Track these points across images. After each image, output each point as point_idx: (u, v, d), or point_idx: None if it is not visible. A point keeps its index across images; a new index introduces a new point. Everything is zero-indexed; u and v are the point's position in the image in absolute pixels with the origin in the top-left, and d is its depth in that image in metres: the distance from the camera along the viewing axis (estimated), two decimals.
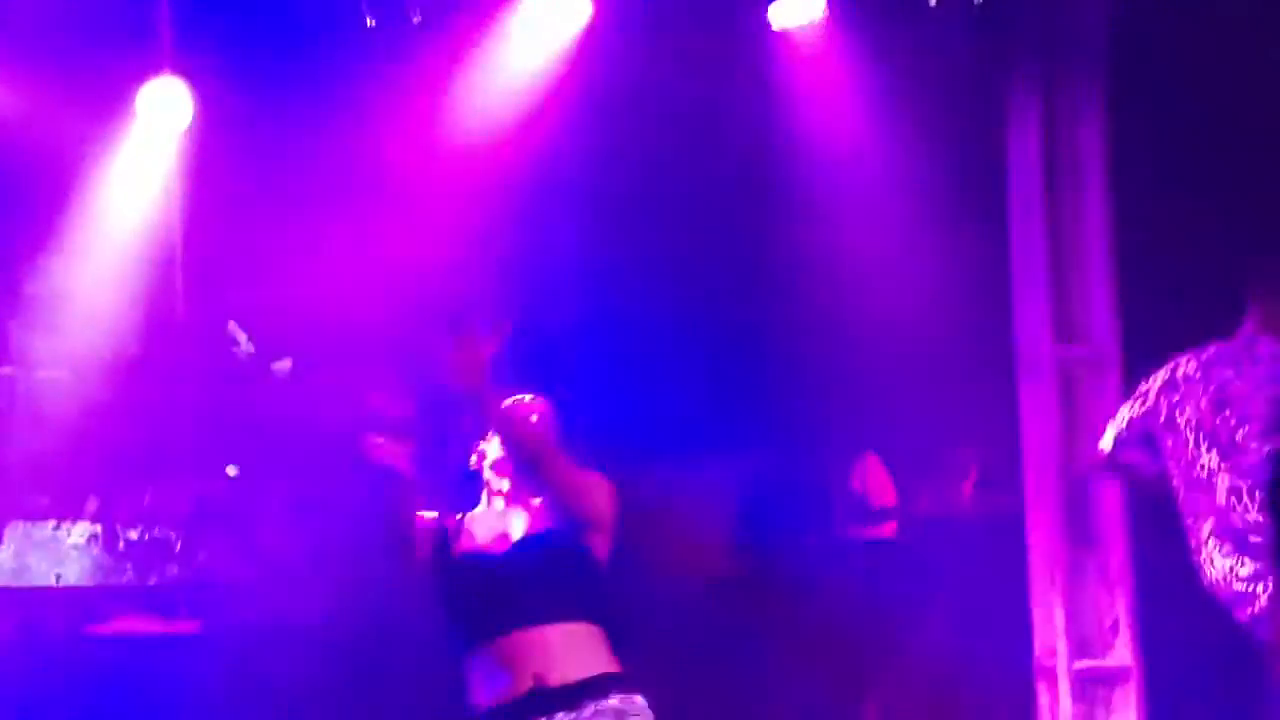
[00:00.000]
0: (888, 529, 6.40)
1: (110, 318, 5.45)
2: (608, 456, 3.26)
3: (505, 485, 3.39)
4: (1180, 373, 3.44)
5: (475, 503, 3.38)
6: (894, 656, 6.00)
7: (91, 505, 5.25)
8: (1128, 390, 3.69)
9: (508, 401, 3.25)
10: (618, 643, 3.21)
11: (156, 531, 5.38)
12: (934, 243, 5.71)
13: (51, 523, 5.13)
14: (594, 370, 5.96)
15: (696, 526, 6.49)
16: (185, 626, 5.13)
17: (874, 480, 6.56)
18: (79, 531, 5.19)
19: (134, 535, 5.33)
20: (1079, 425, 4.76)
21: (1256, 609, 3.20)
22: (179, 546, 5.43)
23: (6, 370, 5.34)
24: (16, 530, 5.04)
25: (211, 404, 5.56)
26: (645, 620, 6.38)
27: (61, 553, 5.15)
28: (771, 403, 6.34)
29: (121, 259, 5.43)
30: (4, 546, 4.98)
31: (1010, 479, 5.31)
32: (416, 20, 5.15)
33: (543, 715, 3.12)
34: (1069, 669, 4.58)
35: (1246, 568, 3.23)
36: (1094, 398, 4.78)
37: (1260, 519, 3.21)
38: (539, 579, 3.22)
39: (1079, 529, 4.67)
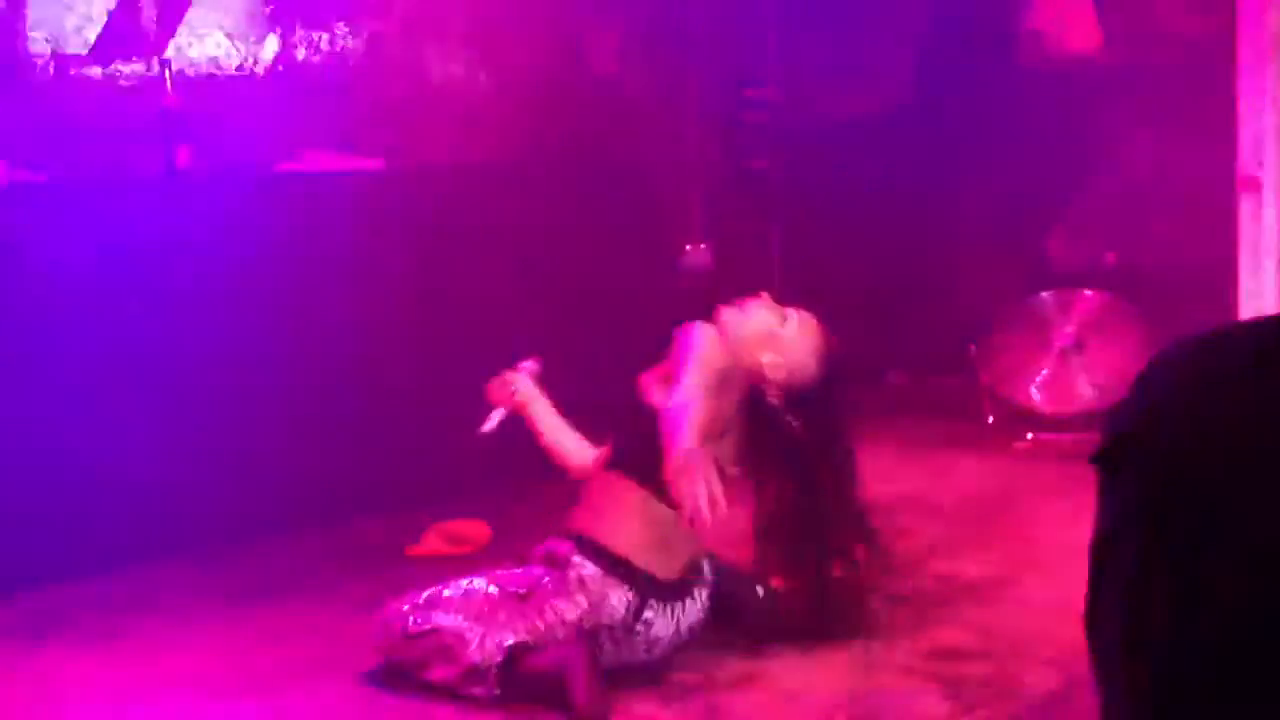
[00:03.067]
0: (1088, 54, 6.09)
1: None
2: None
3: None
4: None
5: None
6: (1086, 182, 5.83)
7: (273, 44, 5.25)
8: None
9: None
10: None
11: (339, 71, 5.39)
12: None
13: (235, 60, 5.16)
14: None
15: (875, 55, 6.27)
16: (371, 163, 5.20)
17: (1071, 11, 6.21)
18: (262, 67, 5.23)
19: (315, 73, 5.35)
20: None
21: None
22: (361, 86, 5.45)
23: None
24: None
25: None
26: (826, 151, 6.29)
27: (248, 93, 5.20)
28: None
29: None
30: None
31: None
32: None
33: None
34: (1275, 178, 4.37)
35: None
36: None
37: None
38: None
39: None
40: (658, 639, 3.43)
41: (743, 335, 3.58)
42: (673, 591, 3.47)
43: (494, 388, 3.84)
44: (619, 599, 3.38)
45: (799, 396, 3.57)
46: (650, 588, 3.41)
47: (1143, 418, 0.78)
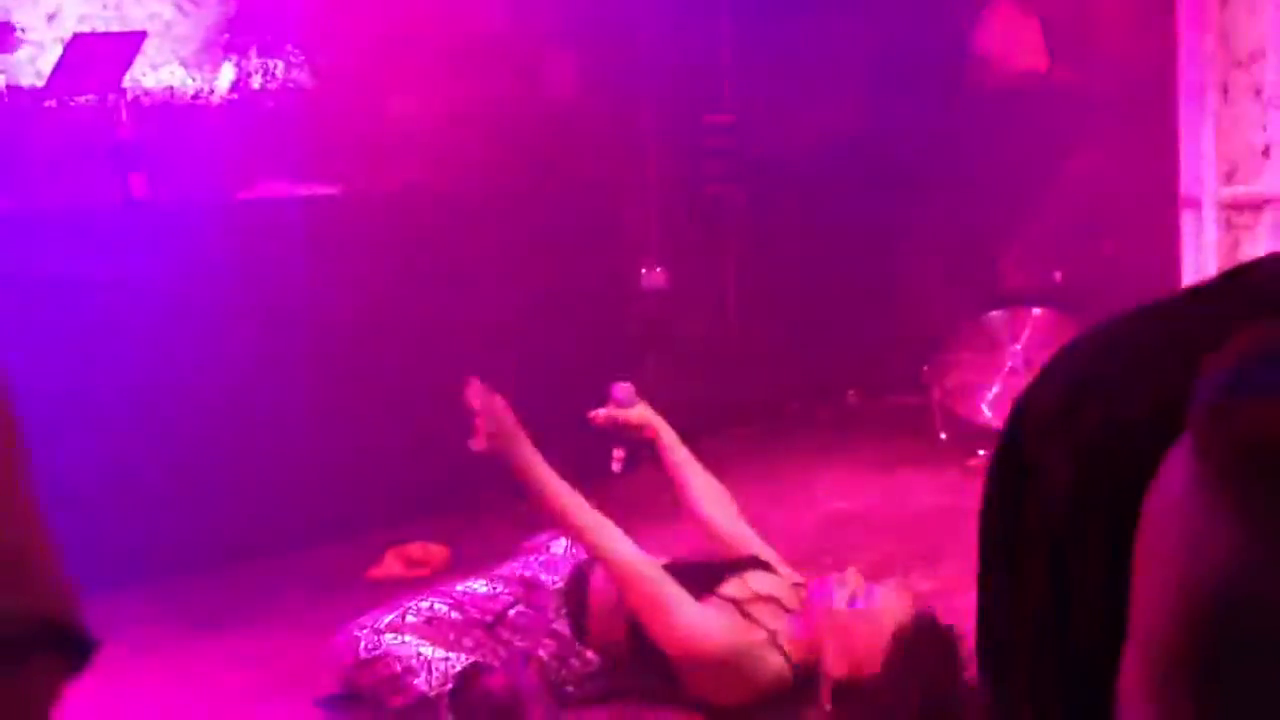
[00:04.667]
0: (1034, 78, 6.20)
1: None
2: None
3: None
4: None
5: None
6: (1034, 202, 5.93)
7: (228, 72, 5.29)
8: None
9: None
10: None
11: (295, 99, 5.43)
12: None
13: (191, 89, 5.20)
14: None
15: (828, 82, 6.36)
16: (327, 190, 5.23)
17: (1019, 35, 6.32)
18: (217, 97, 5.26)
19: (271, 101, 5.40)
20: None
21: None
22: (317, 114, 5.50)
23: None
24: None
25: None
26: (781, 176, 6.37)
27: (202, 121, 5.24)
28: None
29: None
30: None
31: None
32: None
33: None
34: (1215, 196, 4.46)
35: None
36: None
37: None
38: None
39: (1233, 48, 4.45)
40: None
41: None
42: None
43: (605, 422, 3.60)
44: (591, 658, 3.40)
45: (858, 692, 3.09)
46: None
47: (1047, 405, 0.75)
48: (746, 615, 3.25)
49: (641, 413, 3.64)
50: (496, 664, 3.30)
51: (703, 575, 3.36)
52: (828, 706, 3.08)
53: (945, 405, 5.80)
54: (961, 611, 3.89)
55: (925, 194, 5.98)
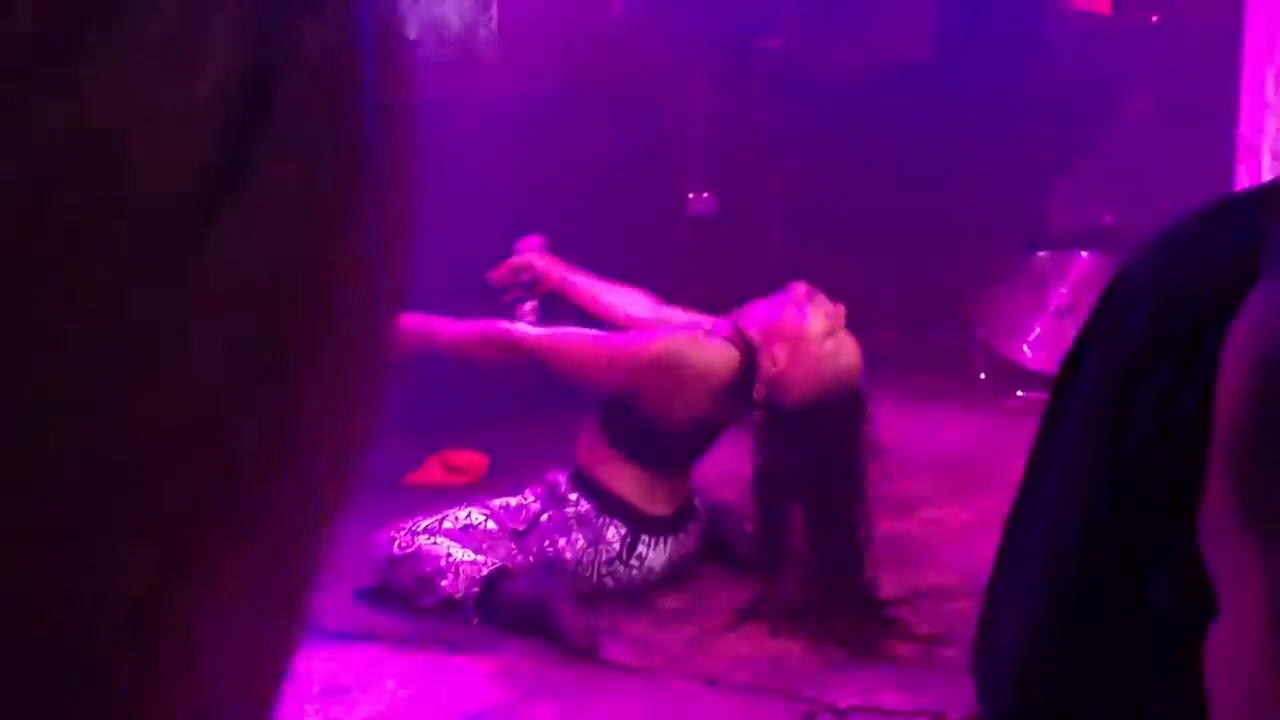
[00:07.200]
0: (1099, 14, 6.13)
1: None
2: None
3: None
4: None
5: None
6: (1089, 142, 5.88)
7: None
8: None
9: None
10: None
11: None
12: None
13: None
14: None
15: (880, 9, 6.31)
16: None
17: None
18: None
19: None
20: None
21: None
22: None
23: None
24: None
25: None
26: (831, 104, 6.34)
27: None
28: None
29: None
30: None
31: None
32: None
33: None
34: (1274, 145, 4.42)
35: None
36: None
37: None
38: None
39: None
40: (651, 570, 3.52)
41: (778, 319, 3.44)
42: (665, 526, 3.55)
43: (507, 276, 3.71)
44: (614, 534, 3.45)
45: (778, 409, 3.37)
46: (642, 523, 3.49)
47: (1141, 256, 0.82)
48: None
49: (547, 263, 3.73)
50: (523, 570, 3.36)
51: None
52: (758, 399, 3.31)
53: (986, 344, 5.80)
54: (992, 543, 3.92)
55: (978, 127, 5.94)
